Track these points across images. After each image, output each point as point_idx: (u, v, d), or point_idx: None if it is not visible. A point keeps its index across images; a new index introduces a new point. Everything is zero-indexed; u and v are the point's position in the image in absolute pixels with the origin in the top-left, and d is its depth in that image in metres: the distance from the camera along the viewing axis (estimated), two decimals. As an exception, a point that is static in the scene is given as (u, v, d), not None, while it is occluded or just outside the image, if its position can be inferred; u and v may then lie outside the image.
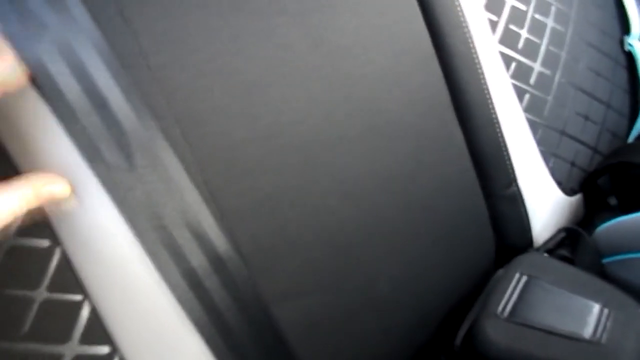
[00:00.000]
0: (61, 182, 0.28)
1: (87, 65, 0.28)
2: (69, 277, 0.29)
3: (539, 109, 0.52)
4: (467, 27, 0.47)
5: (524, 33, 0.52)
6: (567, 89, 0.55)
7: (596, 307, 0.41)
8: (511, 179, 0.50)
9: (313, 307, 0.37)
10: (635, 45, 0.62)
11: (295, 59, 0.37)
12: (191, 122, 0.33)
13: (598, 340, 0.39)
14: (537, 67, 0.53)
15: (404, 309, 0.43)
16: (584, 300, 0.42)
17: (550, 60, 0.54)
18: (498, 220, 0.50)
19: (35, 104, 0.29)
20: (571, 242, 0.54)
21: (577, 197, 0.57)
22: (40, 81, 0.27)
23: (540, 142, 0.52)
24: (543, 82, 0.53)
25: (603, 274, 0.51)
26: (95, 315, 0.30)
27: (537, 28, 0.53)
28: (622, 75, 0.62)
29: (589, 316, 0.41)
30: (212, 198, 0.32)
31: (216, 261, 0.32)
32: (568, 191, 0.55)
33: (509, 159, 0.50)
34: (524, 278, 0.45)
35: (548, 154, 0.53)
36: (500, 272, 0.47)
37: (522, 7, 0.52)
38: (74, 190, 0.29)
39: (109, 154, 0.29)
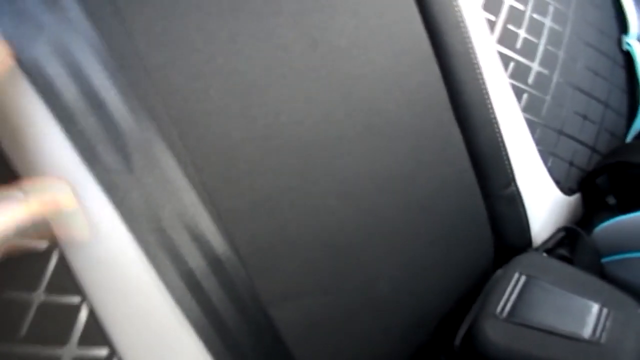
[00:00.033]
0: (65, 188, 0.28)
1: (84, 66, 0.28)
2: (67, 279, 0.29)
3: (537, 109, 0.52)
4: (465, 27, 0.47)
5: (522, 33, 0.52)
6: (565, 88, 0.55)
7: (595, 307, 0.41)
8: (510, 179, 0.50)
9: (312, 308, 0.37)
10: (633, 44, 0.62)
11: (294, 59, 0.37)
12: (189, 123, 0.33)
13: (597, 340, 0.39)
14: (535, 66, 0.53)
15: (404, 309, 0.43)
16: (583, 300, 0.42)
17: (548, 60, 0.54)
18: (497, 220, 0.50)
19: (32, 105, 0.28)
20: (570, 241, 0.54)
21: (576, 197, 0.57)
22: (36, 82, 0.27)
23: (538, 142, 0.52)
24: (541, 81, 0.53)
25: (602, 273, 0.51)
26: (93, 317, 0.30)
27: (535, 28, 0.53)
28: (620, 75, 0.62)
29: (588, 316, 0.41)
30: (210, 199, 0.32)
31: (214, 262, 0.32)
32: (566, 191, 0.55)
33: (508, 158, 0.50)
34: (523, 278, 0.45)
35: (546, 153, 0.53)
36: (499, 272, 0.47)
37: (520, 6, 0.52)
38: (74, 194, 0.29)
39: (106, 156, 0.29)
